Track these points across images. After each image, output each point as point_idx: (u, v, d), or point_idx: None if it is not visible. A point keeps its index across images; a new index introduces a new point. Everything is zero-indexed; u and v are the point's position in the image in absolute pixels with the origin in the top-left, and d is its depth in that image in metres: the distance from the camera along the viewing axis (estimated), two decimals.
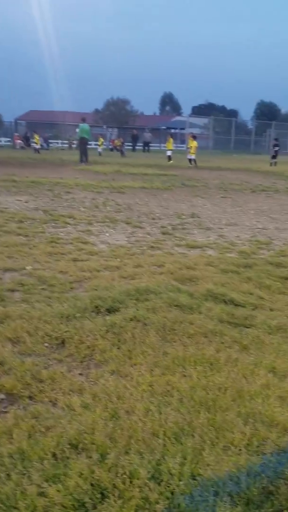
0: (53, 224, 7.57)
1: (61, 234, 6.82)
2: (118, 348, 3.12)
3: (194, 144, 24.87)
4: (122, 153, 35.06)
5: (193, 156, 24.68)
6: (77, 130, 24.28)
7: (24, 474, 1.91)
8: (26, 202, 9.77)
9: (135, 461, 1.99)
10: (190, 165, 24.13)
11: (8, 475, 1.91)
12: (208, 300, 4.04)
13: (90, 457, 2.02)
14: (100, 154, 33.36)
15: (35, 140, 35.56)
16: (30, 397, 2.57)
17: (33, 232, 6.77)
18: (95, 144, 36.56)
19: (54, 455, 2.04)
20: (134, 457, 2.02)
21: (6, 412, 2.43)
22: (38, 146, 34.47)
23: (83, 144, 23.82)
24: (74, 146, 36.36)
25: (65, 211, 8.78)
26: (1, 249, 5.70)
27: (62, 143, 48.53)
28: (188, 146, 26.75)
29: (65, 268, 5.01)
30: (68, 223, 7.67)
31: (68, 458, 2.02)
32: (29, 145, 38.35)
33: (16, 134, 44.55)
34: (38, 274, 4.73)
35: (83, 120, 24.17)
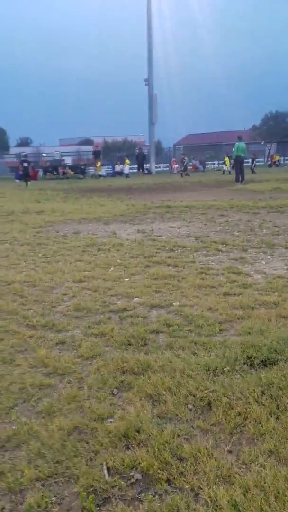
0: (204, 251, 7.15)
1: (212, 263, 6.36)
2: (276, 418, 2.53)
3: None
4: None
5: None
6: (233, 149, 23.87)
7: None
8: (178, 229, 9.54)
9: None
10: None
11: None
12: None
13: None
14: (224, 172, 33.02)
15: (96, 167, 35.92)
16: (168, 481, 2.13)
17: (182, 262, 6.42)
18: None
19: None
20: None
21: (140, 500, 2.02)
22: (101, 173, 34.57)
23: (239, 162, 23.29)
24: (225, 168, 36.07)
25: (217, 237, 8.32)
26: (150, 282, 5.44)
27: (219, 164, 48.54)
28: None
29: (215, 304, 4.53)
30: (220, 250, 7.18)
31: None
32: (185, 170, 39.04)
33: (173, 159, 45.76)
34: (185, 312, 4.33)
35: (240, 139, 23.79)
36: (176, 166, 41.63)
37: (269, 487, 2.00)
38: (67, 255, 7.31)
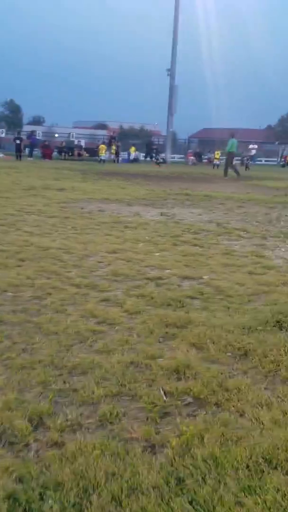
0: (227, 236, 7.57)
1: (236, 246, 6.79)
2: None
3: None
4: None
5: None
6: (228, 145, 25.00)
7: (219, 481, 1.89)
8: (199, 215, 9.95)
9: None
10: None
11: (204, 479, 1.91)
12: None
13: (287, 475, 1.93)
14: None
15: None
16: (217, 405, 2.56)
17: (208, 243, 6.85)
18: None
19: (247, 466, 1.99)
20: None
21: (195, 416, 2.45)
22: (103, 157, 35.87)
23: (231, 158, 24.73)
24: (244, 161, 36.67)
25: (238, 225, 8.74)
26: (179, 257, 5.87)
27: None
28: None
29: (242, 280, 4.96)
30: (242, 237, 7.60)
31: (263, 471, 1.95)
32: (200, 161, 39.40)
33: (189, 151, 46.12)
34: (215, 284, 4.76)
35: (232, 135, 25.02)
36: (192, 158, 41.94)
37: None
38: (96, 229, 7.72)
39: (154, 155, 39.91)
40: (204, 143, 52.79)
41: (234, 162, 25.31)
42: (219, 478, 1.91)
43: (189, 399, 2.63)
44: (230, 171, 23.81)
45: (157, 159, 37.10)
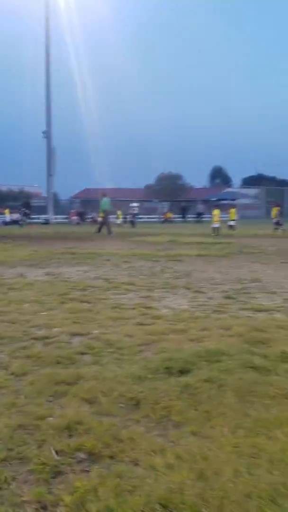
0: (114, 291, 7.64)
1: (124, 300, 6.86)
2: (195, 409, 3.02)
3: (217, 212, 26.41)
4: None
5: (217, 225, 25.85)
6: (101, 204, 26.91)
7: None
8: (86, 272, 9.98)
9: None
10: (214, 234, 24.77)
11: None
12: (285, 362, 3.88)
13: None
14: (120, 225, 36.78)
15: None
16: (111, 457, 2.49)
17: (96, 299, 6.85)
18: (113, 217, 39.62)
19: None
20: None
21: (88, 471, 2.36)
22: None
23: (108, 216, 26.66)
24: (128, 219, 38.34)
25: (125, 279, 8.88)
26: (67, 315, 5.78)
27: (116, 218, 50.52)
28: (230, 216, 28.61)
29: (131, 331, 4.99)
30: (129, 290, 7.72)
31: None
32: (84, 221, 40.09)
33: (72, 210, 46.80)
34: (105, 338, 4.74)
35: (104, 195, 27.08)
36: (75, 217, 42.54)
37: (196, 453, 2.45)
38: None
39: (22, 216, 40.39)
40: (86, 203, 54.00)
41: (109, 220, 26.96)
42: None
43: (82, 455, 2.53)
44: (103, 228, 25.30)
45: (24, 221, 37.76)
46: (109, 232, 24.85)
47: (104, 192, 28.17)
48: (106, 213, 26.57)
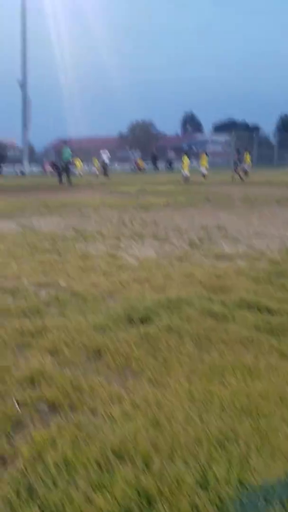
0: (83, 241, 7.64)
1: (91, 250, 6.88)
2: (154, 358, 3.11)
3: (186, 161, 26.89)
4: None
5: (186, 173, 26.20)
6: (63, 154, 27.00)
7: (70, 483, 1.90)
8: (57, 223, 9.92)
9: (180, 468, 1.97)
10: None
11: (55, 483, 1.91)
12: (242, 309, 4.00)
13: (135, 465, 2.01)
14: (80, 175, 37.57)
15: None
16: (70, 407, 2.57)
17: (65, 249, 6.85)
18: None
19: (98, 463, 2.03)
20: (179, 464, 2.00)
21: (48, 422, 2.44)
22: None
23: (66, 165, 27.01)
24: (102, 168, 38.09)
25: (94, 229, 8.86)
26: (36, 266, 5.78)
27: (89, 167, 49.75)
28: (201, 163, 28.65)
29: (97, 281, 5.04)
30: (97, 239, 7.73)
31: (113, 466, 2.00)
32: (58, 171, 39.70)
33: (45, 160, 45.88)
34: (71, 288, 4.78)
35: (65, 143, 28.01)
36: (49, 167, 41.90)
37: (151, 401, 2.55)
38: None
39: None
40: (60, 153, 52.79)
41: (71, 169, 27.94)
42: (70, 480, 1.92)
43: (43, 406, 2.61)
44: (64, 177, 25.79)
45: None
46: (69, 183, 24.99)
47: (65, 141, 28.92)
48: (67, 162, 26.78)
